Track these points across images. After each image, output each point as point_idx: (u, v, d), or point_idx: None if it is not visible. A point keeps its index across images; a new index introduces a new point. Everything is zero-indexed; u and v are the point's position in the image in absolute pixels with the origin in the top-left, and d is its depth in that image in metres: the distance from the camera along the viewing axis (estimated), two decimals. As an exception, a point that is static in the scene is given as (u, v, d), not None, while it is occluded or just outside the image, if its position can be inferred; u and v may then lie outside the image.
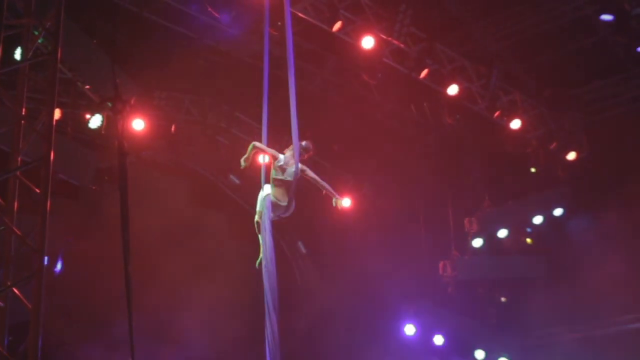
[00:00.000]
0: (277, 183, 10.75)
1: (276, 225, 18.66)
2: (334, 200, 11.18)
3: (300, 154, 10.70)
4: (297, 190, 10.87)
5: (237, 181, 18.74)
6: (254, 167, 15.91)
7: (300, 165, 10.66)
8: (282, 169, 10.74)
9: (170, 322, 16.94)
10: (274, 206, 10.73)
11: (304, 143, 10.86)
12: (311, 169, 11.13)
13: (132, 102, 15.25)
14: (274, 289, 10.44)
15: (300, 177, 10.74)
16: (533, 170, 18.30)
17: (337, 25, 15.46)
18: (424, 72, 16.39)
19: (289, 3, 11.76)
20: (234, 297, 17.09)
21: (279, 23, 15.22)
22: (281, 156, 10.81)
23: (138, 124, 16.14)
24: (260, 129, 16.67)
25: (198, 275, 17.42)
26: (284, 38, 11.37)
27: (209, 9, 15.54)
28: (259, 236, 10.72)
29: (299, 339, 18.06)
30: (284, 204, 10.77)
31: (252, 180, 15.05)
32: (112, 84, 8.76)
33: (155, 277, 16.26)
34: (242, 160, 10.88)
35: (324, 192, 11.13)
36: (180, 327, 17.02)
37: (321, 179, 11.12)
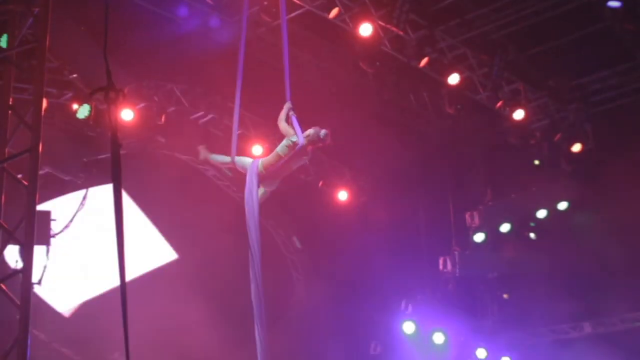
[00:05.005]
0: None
1: (270, 219, 18.41)
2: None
3: (314, 142, 10.77)
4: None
5: (229, 173, 18.37)
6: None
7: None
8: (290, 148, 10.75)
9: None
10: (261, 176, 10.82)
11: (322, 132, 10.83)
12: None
13: (126, 91, 14.94)
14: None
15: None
16: (537, 162, 18.03)
17: (334, 12, 15.14)
18: (424, 61, 16.04)
19: None
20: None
21: (274, 10, 15.01)
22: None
23: (127, 114, 15.84)
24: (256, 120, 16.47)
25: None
26: (278, 25, 11.41)
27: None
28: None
29: (294, 336, 17.86)
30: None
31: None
32: (104, 71, 8.32)
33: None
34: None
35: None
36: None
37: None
